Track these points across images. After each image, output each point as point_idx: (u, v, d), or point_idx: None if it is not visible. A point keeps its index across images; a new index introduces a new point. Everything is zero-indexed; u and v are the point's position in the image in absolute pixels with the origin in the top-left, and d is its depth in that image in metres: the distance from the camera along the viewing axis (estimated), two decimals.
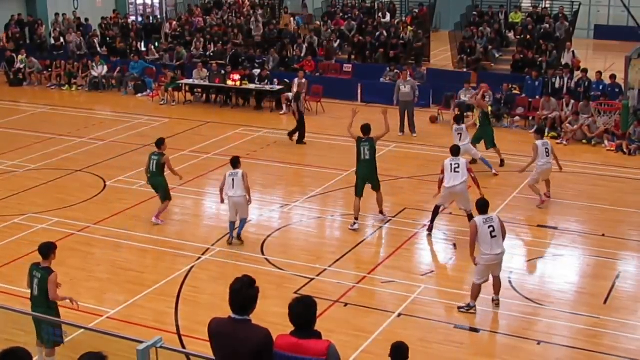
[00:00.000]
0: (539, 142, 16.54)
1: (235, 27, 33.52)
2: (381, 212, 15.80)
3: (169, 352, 7.16)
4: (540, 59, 27.40)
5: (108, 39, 33.12)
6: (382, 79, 27.01)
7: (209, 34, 32.69)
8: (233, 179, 14.41)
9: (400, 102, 22.45)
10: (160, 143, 15.73)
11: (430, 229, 15.17)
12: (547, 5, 35.82)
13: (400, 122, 22.35)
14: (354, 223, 15.37)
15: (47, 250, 10.16)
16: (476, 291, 11.87)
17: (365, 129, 15.46)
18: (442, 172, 14.95)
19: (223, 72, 26.59)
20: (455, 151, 15.18)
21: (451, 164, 14.89)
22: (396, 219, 15.93)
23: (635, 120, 21.32)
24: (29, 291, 10.30)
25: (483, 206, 11.83)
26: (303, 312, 5.98)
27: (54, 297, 10.07)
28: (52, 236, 14.90)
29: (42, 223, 15.69)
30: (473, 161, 19.64)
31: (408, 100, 22.35)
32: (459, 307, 12.01)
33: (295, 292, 12.45)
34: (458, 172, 14.80)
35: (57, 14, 34.82)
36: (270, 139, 22.31)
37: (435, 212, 15.15)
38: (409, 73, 23.58)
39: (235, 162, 14.66)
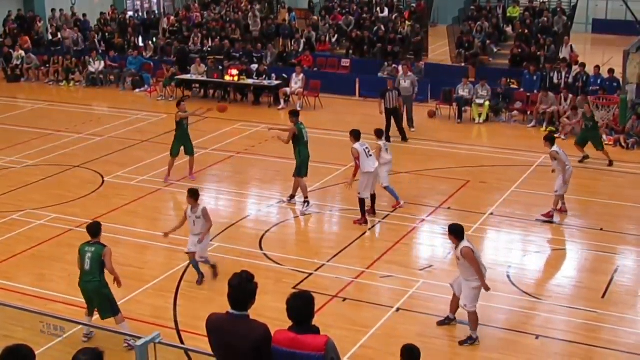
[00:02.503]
0: (556, 148, 15.48)
1: (233, 22, 33.48)
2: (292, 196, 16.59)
3: (167, 347, 7.17)
4: (538, 53, 27.38)
5: (106, 34, 33.06)
6: (379, 74, 26.99)
7: (207, 29, 32.65)
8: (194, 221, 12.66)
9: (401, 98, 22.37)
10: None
11: (366, 222, 15.37)
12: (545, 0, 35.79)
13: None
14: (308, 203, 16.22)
15: (97, 229, 10.91)
16: (476, 319, 10.97)
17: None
18: (357, 158, 15.10)
19: (221, 67, 26.56)
20: (360, 135, 15.42)
21: (364, 150, 15.17)
22: (394, 213, 15.92)
23: (633, 115, 21.31)
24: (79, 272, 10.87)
25: (462, 232, 10.85)
26: (301, 307, 5.99)
27: (111, 268, 10.72)
28: (51, 232, 14.95)
29: (41, 219, 15.68)
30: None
31: (407, 95, 22.28)
32: (460, 342, 11.03)
33: (294, 287, 12.46)
34: (372, 155, 15.28)
35: (53, 10, 34.76)
36: (269, 134, 22.24)
37: (363, 204, 15.35)
38: (408, 68, 23.53)
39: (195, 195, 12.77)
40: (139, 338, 6.63)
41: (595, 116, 21.62)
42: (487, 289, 10.84)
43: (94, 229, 10.92)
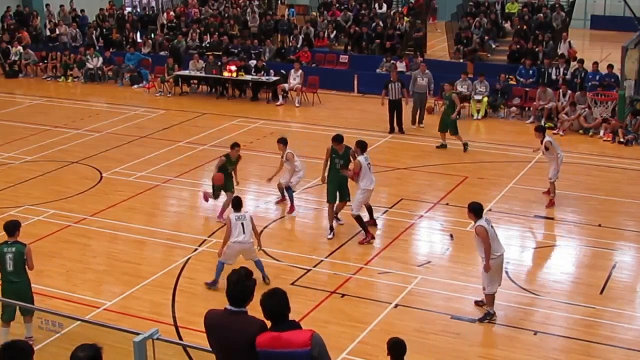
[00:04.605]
0: (549, 138, 15.92)
1: (231, 18, 33.45)
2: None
3: (166, 343, 7.17)
4: (536, 49, 27.38)
5: (104, 30, 33.02)
6: (378, 70, 26.98)
7: (205, 25, 32.62)
8: (242, 224, 12.34)
9: (416, 94, 22.23)
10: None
11: (373, 237, 14.43)
12: None
13: (412, 113, 22.24)
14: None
15: (14, 227, 10.58)
16: (492, 300, 11.44)
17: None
18: (358, 173, 14.01)
19: (219, 63, 26.55)
20: (366, 147, 14.40)
21: (367, 165, 14.11)
22: (393, 209, 15.91)
23: (630, 111, 21.30)
24: None
25: (480, 210, 11.27)
26: (276, 303, 5.88)
27: (32, 266, 10.51)
28: (49, 228, 14.95)
29: (39, 215, 15.67)
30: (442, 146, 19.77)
31: (423, 93, 22.24)
32: (480, 319, 11.46)
33: (292, 283, 12.48)
34: (372, 171, 14.29)
35: (47, 5, 34.69)
36: (267, 130, 22.28)
37: (362, 221, 14.34)
38: (426, 66, 23.34)
39: (239, 204, 12.70)
40: (138, 334, 6.62)
41: (594, 112, 21.67)
42: (487, 269, 11.20)
43: (11, 227, 10.51)
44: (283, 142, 15.82)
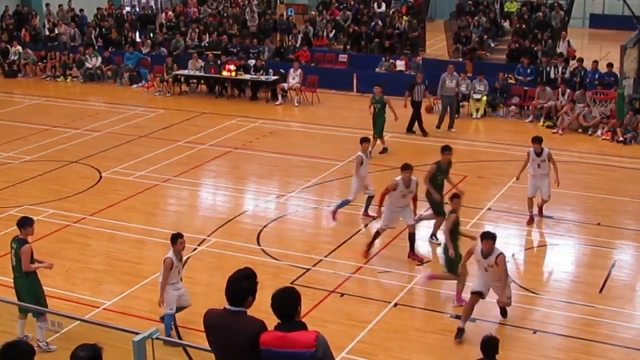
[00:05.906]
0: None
1: (230, 17, 33.44)
2: None
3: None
4: (535, 48, 27.38)
5: (103, 29, 32.99)
6: (377, 69, 26.98)
7: (204, 25, 32.60)
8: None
9: (444, 97, 22.15)
10: None
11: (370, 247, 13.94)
12: None
13: (440, 117, 22.09)
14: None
15: (20, 224, 10.72)
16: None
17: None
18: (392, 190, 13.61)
19: (220, 62, 26.55)
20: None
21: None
22: None
23: (629, 110, 21.31)
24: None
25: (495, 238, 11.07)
26: (282, 303, 5.88)
27: (26, 267, 10.49)
28: (48, 227, 14.94)
29: (38, 214, 15.63)
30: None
31: (452, 95, 22.13)
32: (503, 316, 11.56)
33: (292, 283, 12.46)
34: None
35: (47, 4, 34.67)
36: (266, 129, 22.28)
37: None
38: (454, 67, 23.29)
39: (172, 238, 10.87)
40: (137, 333, 6.62)
41: (593, 111, 21.67)
42: (508, 301, 11.29)
43: (18, 223, 10.73)
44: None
